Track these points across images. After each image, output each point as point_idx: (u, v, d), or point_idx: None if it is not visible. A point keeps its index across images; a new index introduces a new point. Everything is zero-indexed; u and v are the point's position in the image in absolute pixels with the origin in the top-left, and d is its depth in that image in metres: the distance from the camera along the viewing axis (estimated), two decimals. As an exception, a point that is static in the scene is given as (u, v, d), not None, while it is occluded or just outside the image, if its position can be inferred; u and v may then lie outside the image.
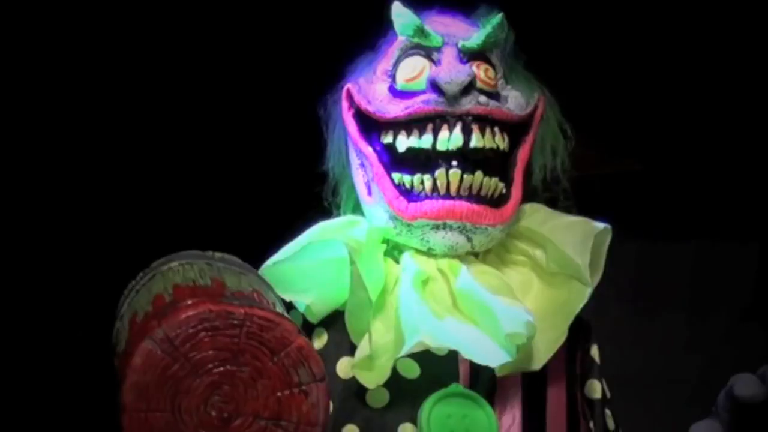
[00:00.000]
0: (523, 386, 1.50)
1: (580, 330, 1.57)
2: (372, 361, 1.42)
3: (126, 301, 1.21)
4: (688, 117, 2.74)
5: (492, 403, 1.46)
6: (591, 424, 1.55)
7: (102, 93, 2.50)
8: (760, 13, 2.49)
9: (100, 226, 2.54)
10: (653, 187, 2.88)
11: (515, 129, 1.55)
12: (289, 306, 1.50)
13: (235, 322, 1.05)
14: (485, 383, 1.48)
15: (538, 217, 1.59)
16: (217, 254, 1.27)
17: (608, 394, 1.60)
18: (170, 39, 2.46)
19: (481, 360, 1.40)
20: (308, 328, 1.52)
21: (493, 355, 1.40)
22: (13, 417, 2.42)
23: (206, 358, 1.05)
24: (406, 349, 1.38)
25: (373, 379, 1.42)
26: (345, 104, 1.60)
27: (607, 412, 1.58)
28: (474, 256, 1.55)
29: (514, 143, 1.56)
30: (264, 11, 2.43)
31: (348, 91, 1.59)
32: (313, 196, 1.68)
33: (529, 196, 1.61)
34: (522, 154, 1.56)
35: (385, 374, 1.41)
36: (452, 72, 1.48)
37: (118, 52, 2.46)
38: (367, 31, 1.63)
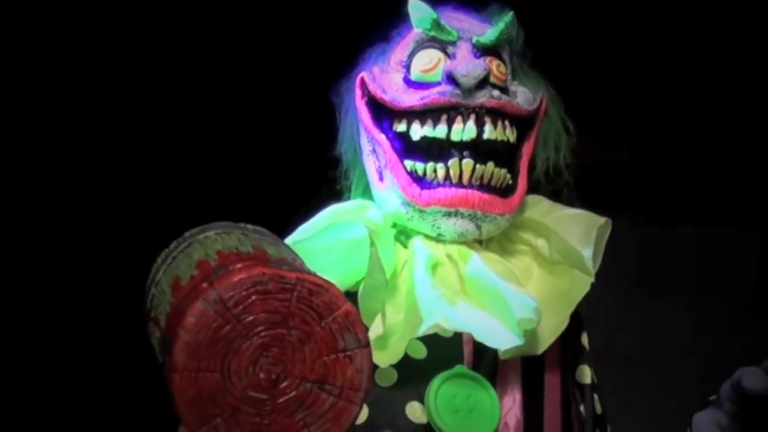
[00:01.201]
0: (523, 370, 1.51)
1: (571, 318, 1.57)
2: (384, 340, 1.41)
3: (162, 268, 1.18)
4: (684, 107, 2.76)
5: (494, 384, 1.46)
6: (581, 408, 1.55)
7: (118, 81, 2.46)
8: (745, 6, 2.53)
9: (120, 209, 2.49)
10: (653, 176, 2.89)
11: (521, 123, 1.56)
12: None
13: (287, 286, 1.03)
14: (487, 365, 1.48)
15: (540, 208, 1.61)
16: (249, 226, 1.24)
17: (596, 380, 1.61)
18: (189, 26, 2.43)
19: (493, 343, 1.41)
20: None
21: (504, 339, 1.41)
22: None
23: (257, 321, 1.02)
24: (422, 330, 1.38)
25: (386, 358, 1.41)
26: (358, 92, 1.59)
27: (596, 396, 1.59)
28: (478, 243, 1.55)
29: (520, 137, 1.57)
30: (283, 4, 2.42)
31: (362, 79, 1.59)
32: (325, 179, 1.66)
33: (531, 188, 1.62)
34: (527, 148, 1.58)
35: (398, 354, 1.40)
36: (469, 66, 1.48)
37: (135, 40, 2.42)
38: (379, 21, 1.62)
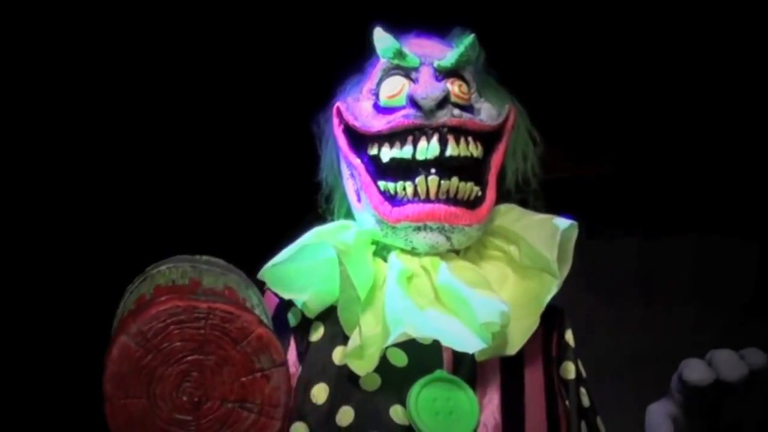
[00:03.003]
0: (502, 370, 1.48)
1: (555, 316, 1.56)
2: (362, 350, 1.42)
3: (122, 302, 1.23)
4: (672, 117, 2.65)
5: (473, 386, 1.44)
6: (567, 403, 1.51)
7: (107, 107, 2.51)
8: (731, 14, 2.41)
9: (106, 232, 2.54)
10: (651, 186, 2.80)
11: (489, 137, 1.55)
12: (290, 303, 1.52)
13: (200, 315, 1.06)
14: (467, 369, 1.46)
15: (511, 215, 1.58)
16: (204, 257, 1.27)
17: (583, 374, 1.57)
18: (177, 54, 2.48)
19: (458, 347, 1.39)
20: (307, 322, 1.53)
21: (469, 343, 1.39)
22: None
23: (176, 349, 1.06)
24: (391, 340, 1.37)
25: (363, 366, 1.41)
26: (335, 121, 1.60)
27: (582, 390, 1.55)
28: (455, 253, 1.54)
29: (489, 150, 1.55)
30: (266, 41, 2.45)
31: (338, 109, 1.60)
32: (310, 204, 1.68)
33: (503, 197, 1.60)
34: (495, 160, 1.55)
35: (374, 363, 1.40)
36: (428, 89, 1.48)
37: (124, 68, 2.47)
38: (354, 56, 1.63)
